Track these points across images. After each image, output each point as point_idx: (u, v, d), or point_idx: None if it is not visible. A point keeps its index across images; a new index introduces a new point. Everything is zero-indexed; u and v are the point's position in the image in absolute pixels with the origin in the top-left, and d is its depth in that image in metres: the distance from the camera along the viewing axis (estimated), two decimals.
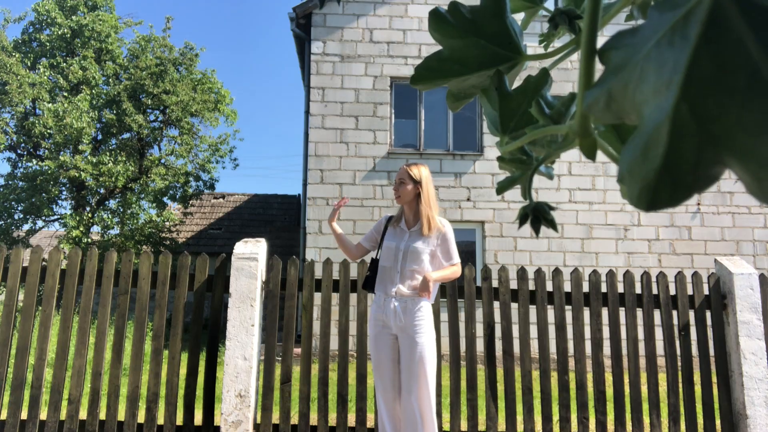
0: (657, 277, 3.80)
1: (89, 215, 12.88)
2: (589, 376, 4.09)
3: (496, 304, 3.80)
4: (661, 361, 6.93)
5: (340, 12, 9.14)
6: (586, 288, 8.52)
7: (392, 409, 2.85)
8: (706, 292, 3.89)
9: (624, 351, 6.99)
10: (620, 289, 6.67)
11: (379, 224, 3.08)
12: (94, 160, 12.25)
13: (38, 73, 13.33)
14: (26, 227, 13.53)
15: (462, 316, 6.09)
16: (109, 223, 12.91)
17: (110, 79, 14.22)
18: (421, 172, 2.89)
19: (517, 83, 0.51)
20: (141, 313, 3.53)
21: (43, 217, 13.48)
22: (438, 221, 2.91)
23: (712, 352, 3.74)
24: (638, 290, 6.75)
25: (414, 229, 2.91)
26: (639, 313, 4.31)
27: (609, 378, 5.38)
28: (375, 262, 2.99)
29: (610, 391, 3.89)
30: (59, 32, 13.75)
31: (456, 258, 2.92)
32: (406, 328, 2.80)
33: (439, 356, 3.58)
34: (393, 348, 2.86)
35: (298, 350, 7.07)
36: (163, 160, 13.73)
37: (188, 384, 3.51)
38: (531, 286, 6.08)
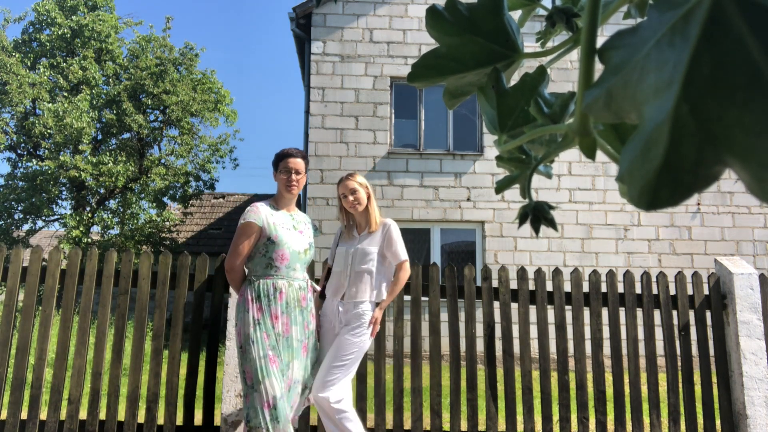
0: (657, 277, 3.80)
1: (89, 215, 12.89)
2: (589, 376, 4.09)
3: (496, 304, 3.81)
4: (661, 361, 6.93)
5: (340, 12, 9.14)
6: (586, 288, 8.52)
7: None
8: (706, 292, 3.89)
9: (624, 351, 6.99)
10: (620, 289, 6.67)
11: (336, 238, 3.20)
12: (94, 160, 12.26)
13: (38, 73, 13.33)
14: (26, 227, 13.53)
15: (462, 316, 6.08)
16: (109, 223, 12.92)
17: (110, 79, 14.23)
18: (364, 180, 3.12)
19: (514, 81, 0.51)
20: (141, 313, 3.53)
21: (43, 217, 13.49)
22: (380, 218, 3.12)
23: (712, 352, 3.74)
24: (638, 290, 6.74)
25: (364, 233, 3.07)
26: (639, 313, 4.31)
27: (609, 378, 5.38)
28: (329, 270, 3.13)
29: (610, 391, 3.89)
30: (59, 32, 13.75)
31: (404, 255, 3.07)
32: (346, 328, 2.93)
33: (439, 356, 3.60)
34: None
35: None
36: (163, 160, 13.74)
37: (188, 384, 3.51)
38: (531, 286, 6.07)
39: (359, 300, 2.96)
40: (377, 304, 3.02)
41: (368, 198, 3.08)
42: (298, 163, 2.87)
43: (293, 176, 2.85)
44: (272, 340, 2.66)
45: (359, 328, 2.93)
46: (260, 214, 2.77)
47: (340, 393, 2.81)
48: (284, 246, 2.77)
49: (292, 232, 2.85)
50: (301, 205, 9.26)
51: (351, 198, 3.02)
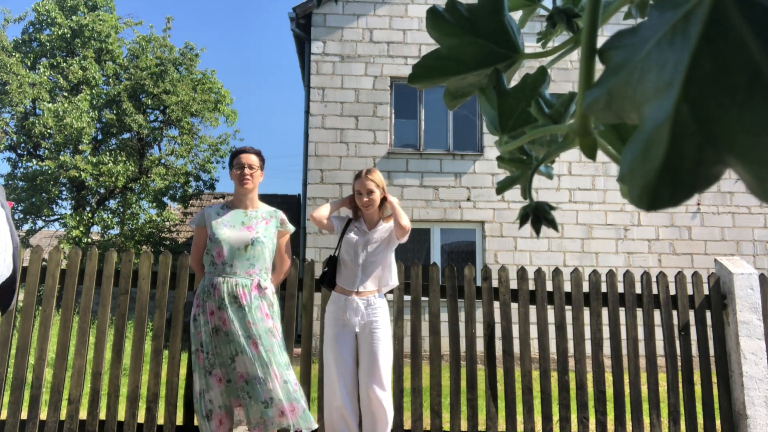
0: (657, 277, 3.80)
1: (89, 215, 12.88)
2: (589, 376, 4.08)
3: (496, 304, 3.81)
4: (661, 361, 6.92)
5: (340, 12, 9.14)
6: (586, 288, 8.52)
7: (355, 405, 3.00)
8: (706, 292, 3.89)
9: (624, 351, 6.98)
10: (620, 289, 6.65)
11: (342, 220, 3.22)
12: (94, 160, 12.25)
13: (38, 73, 13.32)
14: (26, 227, 13.52)
15: (462, 316, 6.08)
16: (109, 223, 12.90)
17: (110, 79, 14.22)
18: (382, 179, 3.13)
19: (515, 81, 0.51)
20: (141, 313, 3.53)
21: (43, 217, 13.48)
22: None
23: (712, 352, 3.74)
24: (638, 290, 6.73)
25: (373, 230, 3.12)
26: (639, 313, 4.29)
27: (609, 378, 5.37)
28: (333, 258, 3.14)
29: (610, 391, 3.88)
30: (59, 32, 13.74)
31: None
32: (368, 324, 2.98)
33: (439, 356, 3.60)
34: (353, 347, 3.02)
35: (298, 350, 7.07)
36: (163, 160, 13.73)
37: (188, 384, 3.50)
38: (531, 286, 6.07)
39: (377, 295, 3.03)
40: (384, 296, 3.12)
41: (383, 198, 3.11)
42: (250, 158, 2.97)
43: (246, 170, 2.94)
44: (204, 336, 2.82)
45: (383, 323, 3.01)
46: (202, 216, 2.98)
47: (389, 391, 3.01)
48: (221, 243, 2.87)
49: (236, 229, 2.91)
50: (301, 205, 9.25)
51: (366, 199, 3.05)
